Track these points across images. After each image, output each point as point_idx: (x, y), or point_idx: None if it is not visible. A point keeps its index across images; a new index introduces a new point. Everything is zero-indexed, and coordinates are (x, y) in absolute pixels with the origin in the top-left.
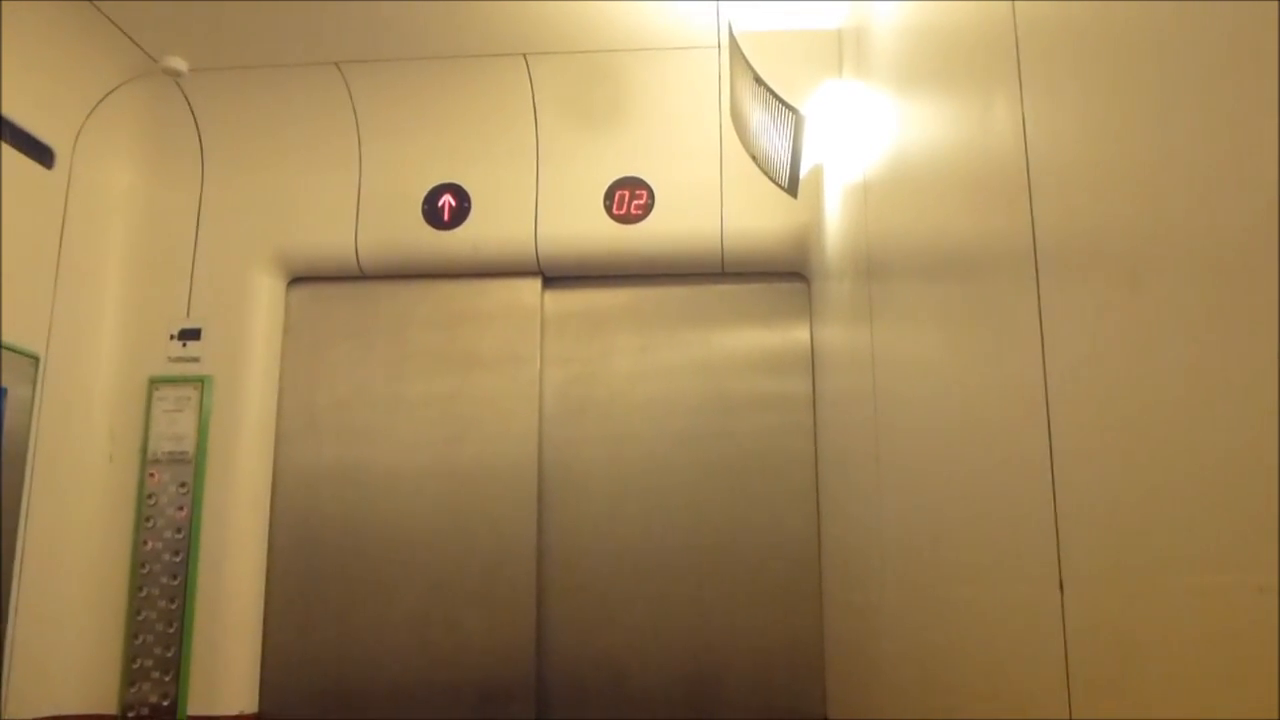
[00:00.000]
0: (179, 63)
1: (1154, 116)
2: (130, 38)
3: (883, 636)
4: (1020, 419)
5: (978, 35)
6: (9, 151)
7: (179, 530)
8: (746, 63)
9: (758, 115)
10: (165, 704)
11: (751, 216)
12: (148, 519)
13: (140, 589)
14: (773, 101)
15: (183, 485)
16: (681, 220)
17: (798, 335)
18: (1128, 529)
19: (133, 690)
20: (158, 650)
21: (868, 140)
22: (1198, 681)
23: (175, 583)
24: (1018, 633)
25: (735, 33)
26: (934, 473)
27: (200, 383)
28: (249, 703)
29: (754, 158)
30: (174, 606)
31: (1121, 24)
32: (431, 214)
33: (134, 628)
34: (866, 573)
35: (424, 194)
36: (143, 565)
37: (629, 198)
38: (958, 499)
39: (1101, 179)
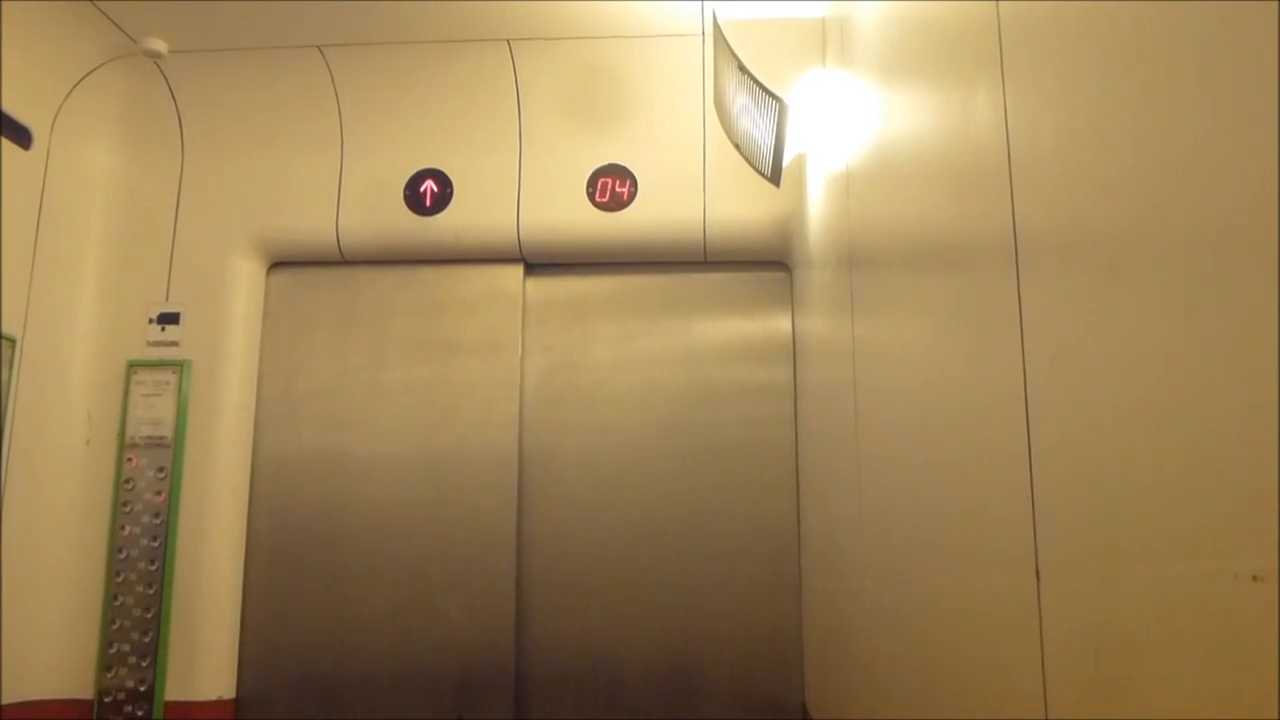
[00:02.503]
0: (159, 44)
1: (1135, 109)
2: (110, 18)
3: (861, 625)
4: (999, 408)
5: (961, 27)
6: None
7: (157, 515)
8: (730, 51)
9: (741, 103)
10: (142, 689)
11: (734, 205)
12: (125, 504)
13: (117, 574)
14: (756, 90)
15: (161, 470)
16: (664, 208)
17: (779, 324)
18: (1103, 517)
19: (109, 675)
20: (135, 635)
21: (850, 130)
22: (1171, 666)
23: (153, 568)
24: (994, 620)
25: (719, 21)
26: (913, 462)
27: (179, 367)
28: (226, 688)
29: (737, 146)
30: (151, 592)
31: (1103, 17)
32: (413, 199)
33: (111, 613)
34: (846, 562)
35: (406, 179)
36: (120, 550)
37: (612, 185)
38: (937, 488)
39: (1082, 170)
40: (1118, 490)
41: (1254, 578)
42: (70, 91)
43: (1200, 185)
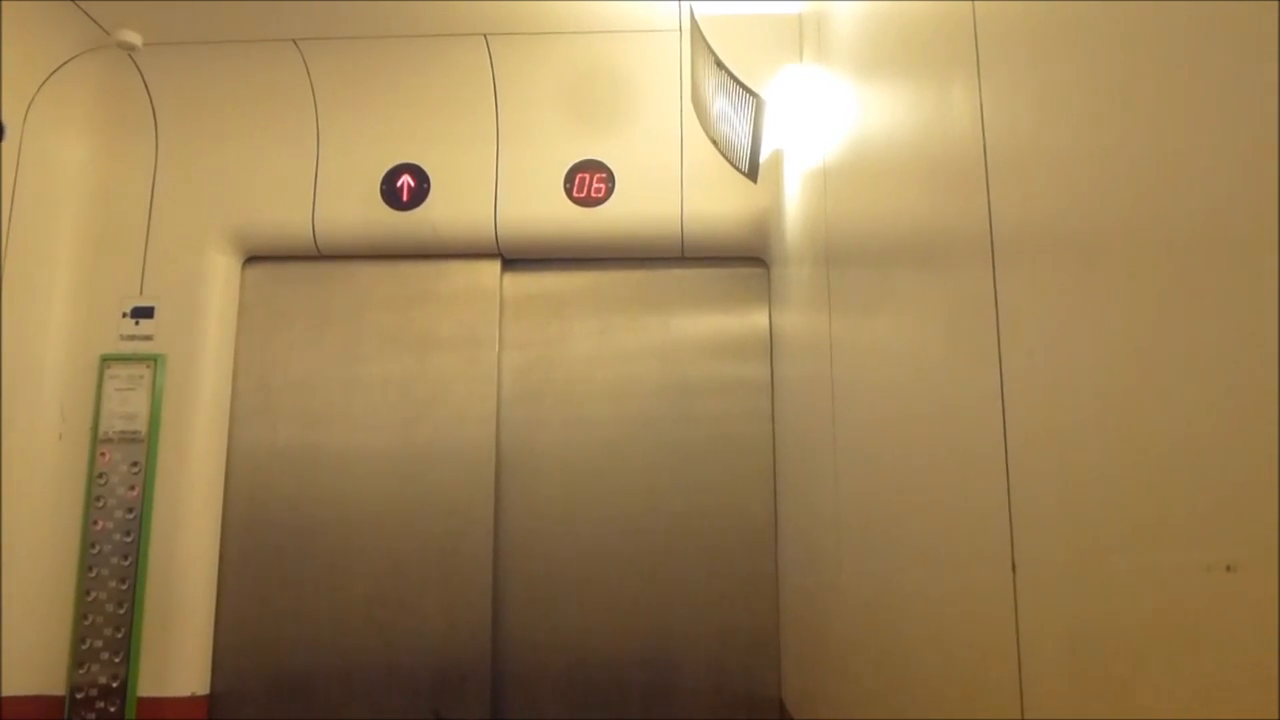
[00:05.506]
0: (133, 36)
1: (1109, 105)
2: (83, 10)
3: (838, 619)
4: (976, 403)
5: (937, 22)
6: None
7: (130, 510)
8: (707, 46)
9: (718, 99)
10: (115, 685)
11: (711, 201)
12: (98, 499)
13: (90, 569)
14: (733, 85)
15: (134, 465)
16: (641, 204)
17: (756, 320)
18: (1079, 511)
19: (81, 671)
20: (107, 631)
21: (827, 125)
22: (1146, 657)
23: (126, 563)
24: (970, 614)
25: (697, 16)
26: (890, 456)
27: (153, 361)
28: (200, 684)
29: (714, 142)
30: (124, 587)
31: (1077, 15)
32: (390, 194)
33: (83, 608)
34: (822, 556)
35: (382, 174)
36: (93, 545)
37: (589, 180)
38: (913, 482)
39: (1057, 165)
40: (1092, 483)
41: (1227, 568)
42: (43, 83)
43: (1174, 181)
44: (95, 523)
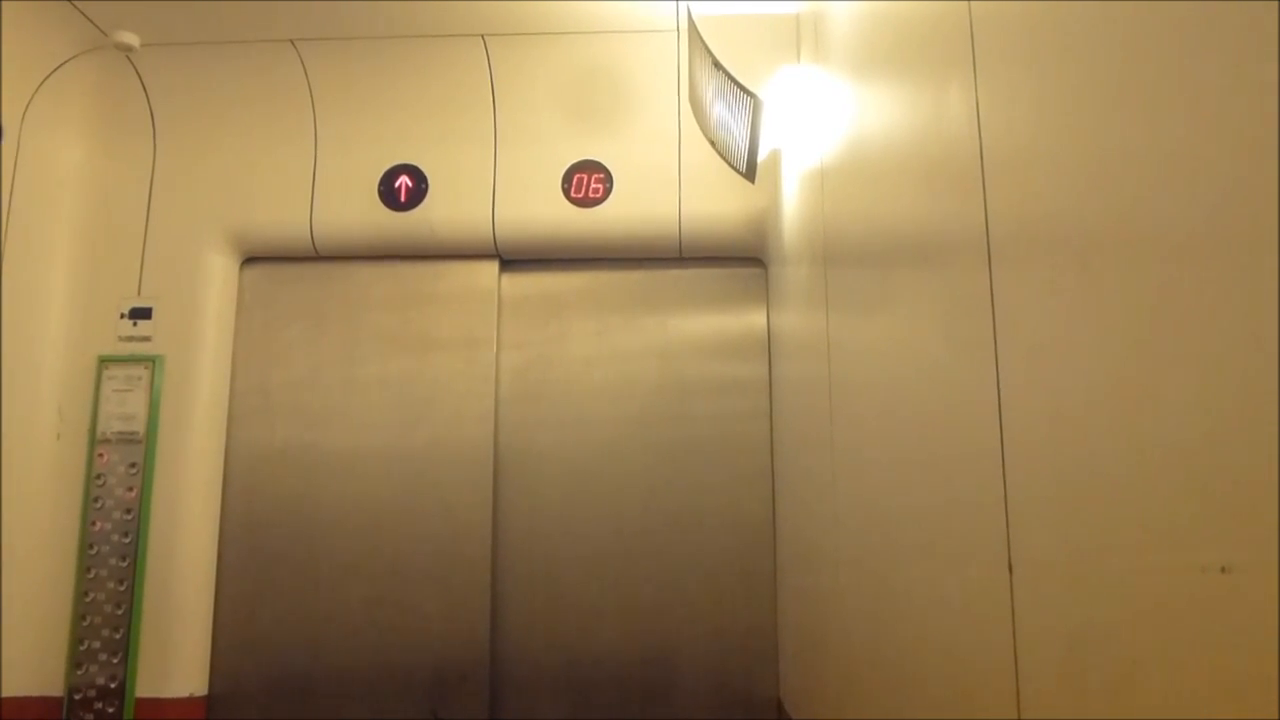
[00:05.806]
0: (130, 37)
1: (1104, 106)
2: (81, 11)
3: (835, 620)
4: (972, 403)
5: (933, 24)
6: None
7: (128, 511)
8: (705, 47)
9: (716, 100)
10: (113, 686)
11: (709, 201)
12: (96, 500)
13: (88, 570)
14: (731, 86)
15: (132, 466)
16: (639, 204)
17: (754, 320)
18: (1075, 511)
19: (80, 672)
20: (106, 632)
21: (825, 126)
22: (1141, 657)
23: (124, 564)
24: (967, 614)
25: (694, 16)
26: (888, 457)
27: (151, 362)
28: (199, 685)
29: (712, 142)
30: (123, 588)
31: (1074, 13)
32: (388, 195)
33: (81, 609)
34: (820, 556)
35: (380, 174)
36: (91, 546)
37: (587, 181)
38: (911, 483)
39: (1053, 165)
40: (1088, 484)
41: (1222, 569)
42: (41, 84)
43: (1171, 180)
44: (93, 524)
